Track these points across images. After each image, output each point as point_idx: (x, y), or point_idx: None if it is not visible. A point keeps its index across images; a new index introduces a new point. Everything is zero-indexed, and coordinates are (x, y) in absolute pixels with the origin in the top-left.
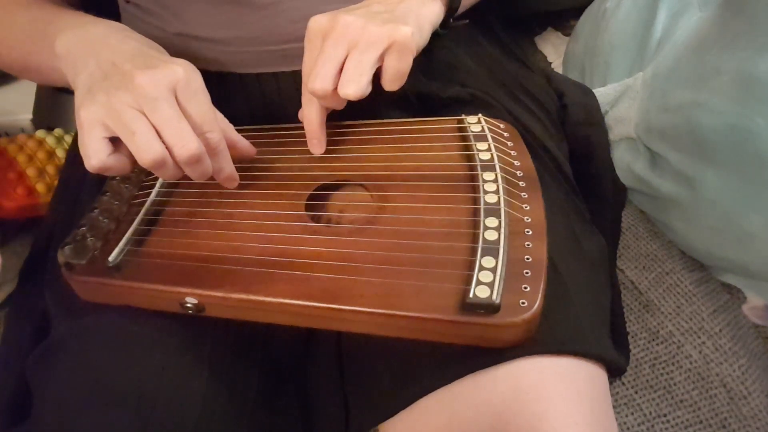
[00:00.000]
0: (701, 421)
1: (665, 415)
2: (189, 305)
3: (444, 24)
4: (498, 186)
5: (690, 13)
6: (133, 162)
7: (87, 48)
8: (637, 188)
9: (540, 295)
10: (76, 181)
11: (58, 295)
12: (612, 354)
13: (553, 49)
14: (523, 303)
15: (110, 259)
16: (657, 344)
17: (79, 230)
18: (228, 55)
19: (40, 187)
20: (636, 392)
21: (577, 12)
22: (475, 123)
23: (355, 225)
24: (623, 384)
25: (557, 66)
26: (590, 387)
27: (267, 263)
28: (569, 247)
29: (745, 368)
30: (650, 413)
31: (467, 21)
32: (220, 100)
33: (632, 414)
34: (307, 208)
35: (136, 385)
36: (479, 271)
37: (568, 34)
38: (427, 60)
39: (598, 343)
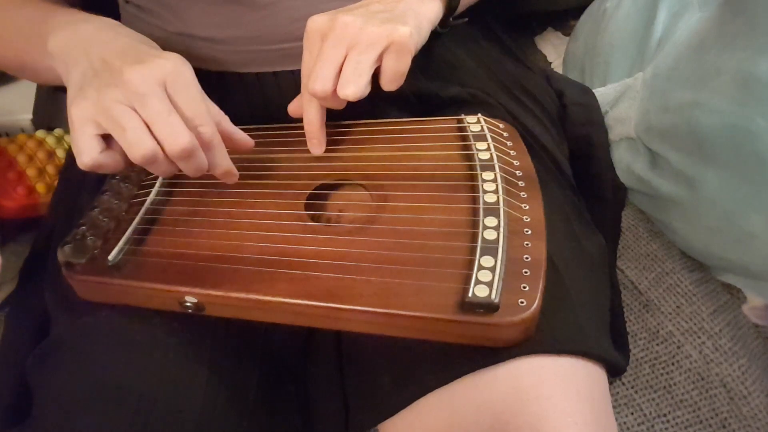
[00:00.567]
0: (701, 421)
1: (665, 415)
2: (189, 304)
3: (443, 23)
4: (497, 186)
5: (690, 13)
6: (126, 159)
7: (78, 46)
8: (637, 188)
9: (539, 295)
10: (76, 181)
11: (58, 295)
12: (612, 354)
13: (553, 49)
14: (522, 302)
15: (110, 258)
16: (657, 344)
17: (79, 229)
18: (228, 54)
19: (40, 187)
20: (636, 392)
21: (577, 12)
22: (474, 123)
23: (355, 224)
24: (623, 384)
25: (557, 66)
26: (590, 387)
27: (267, 262)
28: (569, 246)
29: (745, 368)
30: (650, 413)
31: (466, 19)
32: (220, 100)
33: (632, 414)
34: (307, 207)
35: (136, 384)
36: (478, 270)
37: (568, 34)
38: (426, 60)
39: (597, 342)
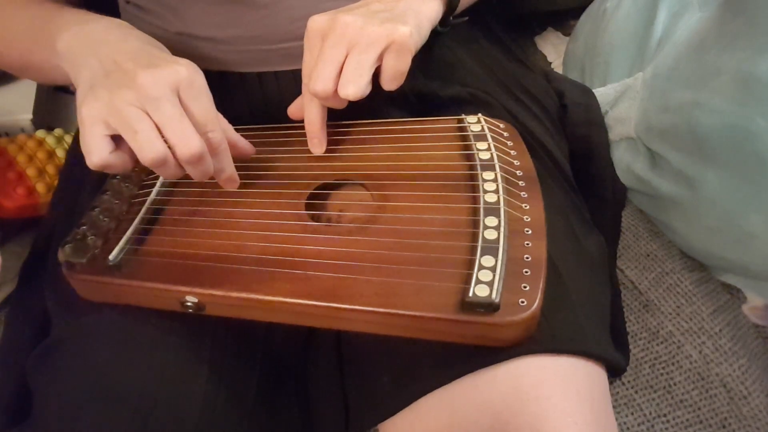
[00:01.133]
0: (701, 421)
1: (665, 415)
2: (189, 304)
3: (443, 22)
4: (498, 185)
5: (690, 13)
6: (134, 160)
7: (88, 46)
8: (637, 188)
9: (539, 294)
10: (76, 181)
11: (58, 295)
12: (612, 354)
13: (553, 49)
14: (522, 302)
15: (111, 257)
16: (657, 344)
17: (80, 229)
18: (228, 54)
19: (40, 187)
20: (636, 392)
21: (577, 12)
22: (474, 123)
23: (355, 224)
24: (623, 384)
25: (557, 66)
26: (590, 386)
27: (267, 262)
28: (569, 246)
29: (745, 368)
30: (650, 413)
31: (467, 18)
32: (221, 100)
33: (632, 414)
34: (308, 207)
35: (136, 384)
36: (479, 270)
37: (568, 34)
38: (426, 59)
39: (598, 342)
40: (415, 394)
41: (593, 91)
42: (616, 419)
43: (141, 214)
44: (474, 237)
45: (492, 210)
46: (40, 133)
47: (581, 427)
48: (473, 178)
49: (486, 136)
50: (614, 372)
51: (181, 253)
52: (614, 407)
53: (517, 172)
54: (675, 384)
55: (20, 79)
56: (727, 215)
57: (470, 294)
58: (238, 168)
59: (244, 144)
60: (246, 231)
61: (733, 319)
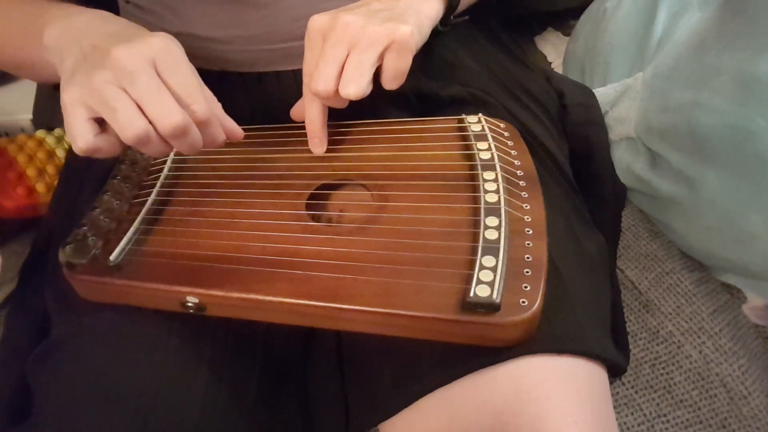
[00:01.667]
0: (701, 421)
1: (665, 415)
2: (190, 304)
3: (444, 21)
4: (498, 185)
5: (690, 13)
6: (122, 141)
7: (71, 36)
8: (637, 188)
9: (540, 295)
10: (76, 181)
11: (58, 295)
12: (612, 353)
13: (553, 49)
14: (523, 302)
15: (111, 258)
16: (657, 344)
17: (80, 230)
18: (229, 54)
19: (40, 187)
20: (636, 392)
21: (577, 12)
22: (475, 122)
23: (356, 224)
24: (623, 384)
25: (557, 66)
26: (591, 387)
27: (268, 262)
28: (569, 246)
29: (745, 368)
30: (650, 413)
31: (467, 17)
32: (221, 100)
33: (632, 414)
34: (308, 207)
35: (136, 384)
36: (479, 270)
37: (568, 34)
38: (427, 59)
39: (598, 342)
40: (416, 394)
41: (593, 91)
42: (616, 419)
43: (142, 215)
44: (475, 237)
45: (493, 210)
46: (40, 133)
47: (582, 427)
48: (474, 178)
49: (486, 135)
50: (615, 372)
51: (181, 254)
52: (614, 407)
53: (518, 172)
54: (675, 384)
55: (20, 79)
56: (727, 215)
57: (471, 294)
58: (238, 168)
59: (232, 124)
60: (246, 231)
61: (733, 319)
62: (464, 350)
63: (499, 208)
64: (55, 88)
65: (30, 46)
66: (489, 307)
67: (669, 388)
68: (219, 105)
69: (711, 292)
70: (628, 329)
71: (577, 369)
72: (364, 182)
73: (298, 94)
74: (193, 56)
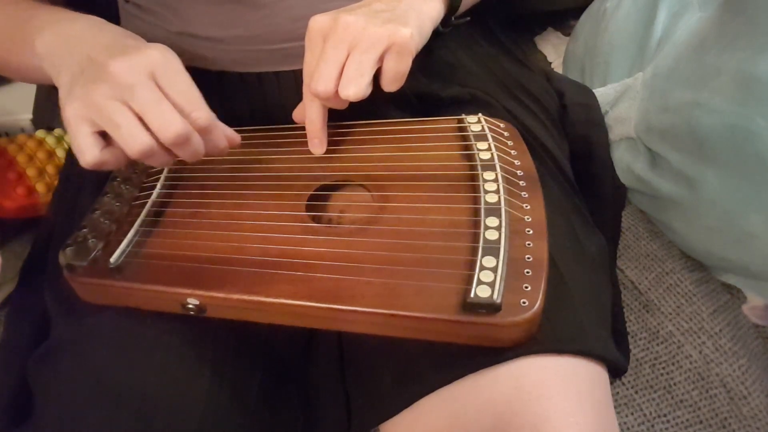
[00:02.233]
0: (701, 421)
1: (665, 415)
2: (190, 306)
3: (445, 22)
4: (498, 185)
5: (690, 13)
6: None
7: (65, 46)
8: (637, 188)
9: (541, 295)
10: (76, 181)
11: (58, 296)
12: (613, 353)
13: (553, 49)
14: (524, 302)
15: (112, 260)
16: (657, 344)
17: (81, 232)
18: (228, 54)
19: (40, 187)
20: (636, 392)
21: (577, 12)
22: (475, 123)
23: (356, 225)
24: (623, 384)
25: (557, 66)
26: (591, 387)
27: (268, 264)
28: (570, 246)
29: (745, 368)
30: (650, 413)
31: (468, 18)
32: (220, 100)
33: (632, 414)
34: (308, 208)
35: (137, 385)
36: (480, 270)
37: (568, 34)
38: (427, 60)
39: (599, 342)
40: (417, 394)
41: (593, 91)
42: (617, 419)
43: (142, 217)
44: (475, 237)
45: (493, 210)
46: (40, 133)
47: (582, 427)
48: (474, 178)
49: (486, 136)
50: (615, 372)
51: (182, 255)
52: (614, 407)
53: (518, 172)
54: (675, 384)
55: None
56: (727, 215)
57: (472, 295)
58: (238, 169)
59: (230, 132)
60: (247, 233)
61: (733, 319)
62: (465, 350)
63: (500, 209)
64: (55, 88)
65: (19, 50)
66: (490, 307)
67: (669, 388)
68: (213, 115)
69: (711, 292)
70: (628, 329)
71: (577, 369)
72: (364, 183)
73: (297, 95)
74: (192, 56)
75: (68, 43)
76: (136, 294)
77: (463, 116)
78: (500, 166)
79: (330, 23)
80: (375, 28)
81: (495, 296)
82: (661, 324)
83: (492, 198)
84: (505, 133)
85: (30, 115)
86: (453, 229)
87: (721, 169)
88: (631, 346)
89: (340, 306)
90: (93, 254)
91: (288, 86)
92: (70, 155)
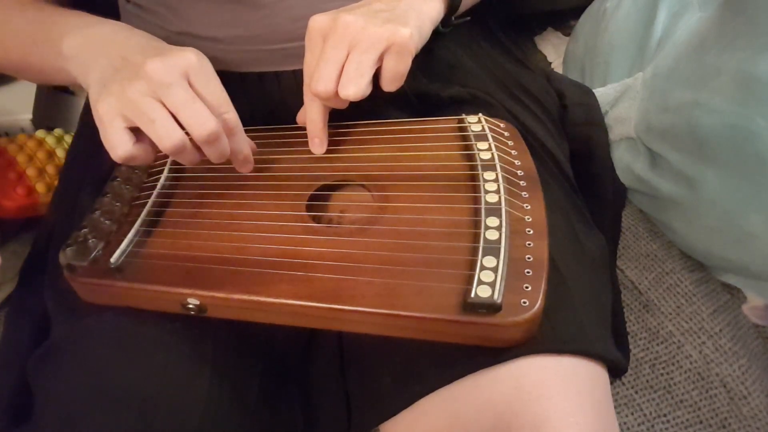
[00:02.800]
0: (701, 421)
1: (665, 415)
2: (191, 306)
3: (445, 22)
4: (499, 185)
5: (690, 13)
6: (155, 149)
7: (96, 48)
8: (637, 188)
9: (541, 295)
10: (76, 181)
11: (58, 295)
12: (614, 353)
13: (553, 49)
14: (524, 302)
15: (112, 260)
16: (657, 344)
17: (81, 231)
18: (229, 54)
19: (40, 187)
20: (636, 392)
21: (577, 12)
22: (475, 123)
23: (356, 225)
24: (623, 384)
25: (557, 66)
26: (591, 387)
27: (268, 264)
28: (570, 246)
29: (745, 368)
30: (650, 413)
31: (468, 18)
32: None
33: (632, 414)
34: (308, 208)
35: (138, 385)
36: (480, 270)
37: (568, 34)
38: (427, 60)
39: (599, 342)
40: (417, 394)
41: (593, 91)
42: (617, 419)
43: (142, 216)
44: (475, 237)
45: (493, 210)
46: (40, 133)
47: (582, 427)
48: (474, 178)
49: (487, 136)
50: (615, 372)
51: (182, 255)
52: (614, 407)
53: (518, 172)
54: (675, 384)
55: (20, 79)
56: (727, 215)
57: (472, 295)
58: None
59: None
60: (247, 232)
61: (733, 319)
62: (465, 350)
63: (500, 209)
64: (56, 89)
65: (42, 53)
66: (490, 307)
67: (669, 388)
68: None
69: (711, 292)
70: (628, 329)
71: (578, 369)
72: (364, 183)
73: (298, 94)
74: None
75: (98, 45)
76: (137, 294)
77: (464, 116)
78: (500, 166)
79: (329, 23)
80: (374, 28)
81: (495, 296)
82: (661, 324)
83: (492, 198)
84: (506, 133)
85: (30, 115)
86: (453, 229)
87: (721, 169)
88: (631, 346)
89: (340, 306)
90: (93, 254)
91: (288, 86)
92: (70, 155)
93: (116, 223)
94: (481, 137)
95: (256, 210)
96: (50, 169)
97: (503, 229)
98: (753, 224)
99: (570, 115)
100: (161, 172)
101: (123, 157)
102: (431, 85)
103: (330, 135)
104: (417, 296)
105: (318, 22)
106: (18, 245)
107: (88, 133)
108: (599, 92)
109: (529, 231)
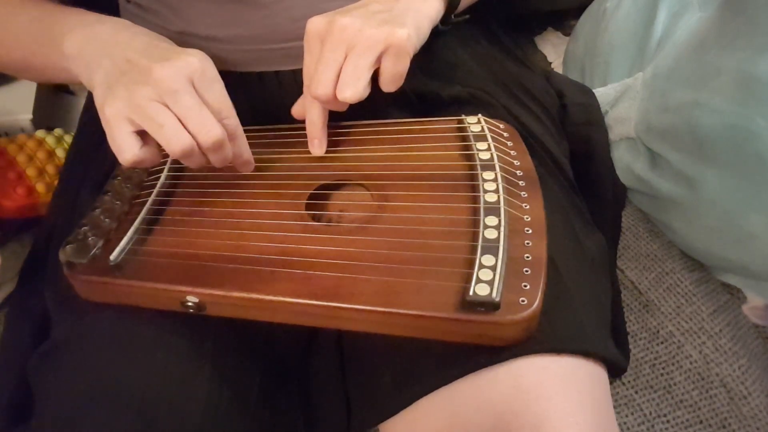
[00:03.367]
0: (701, 421)
1: (665, 415)
2: (190, 304)
3: (445, 20)
4: (498, 185)
5: (690, 13)
6: (161, 153)
7: (98, 47)
8: (637, 188)
9: (540, 293)
10: (76, 181)
11: (58, 295)
12: (613, 353)
13: (553, 49)
14: (522, 301)
15: (112, 258)
16: (657, 344)
17: (81, 229)
18: (229, 53)
19: (40, 187)
20: (636, 392)
21: (577, 12)
22: (474, 123)
23: (356, 224)
24: (623, 384)
25: (557, 66)
26: (591, 386)
27: (268, 262)
28: (569, 246)
29: (745, 368)
30: (650, 413)
31: (468, 17)
32: None
33: (632, 414)
34: (308, 207)
35: (138, 384)
36: (479, 269)
37: (568, 34)
38: (427, 59)
39: (599, 342)
40: (416, 394)
41: (593, 91)
42: (616, 419)
43: (142, 215)
44: (474, 236)
45: (492, 209)
46: (40, 133)
47: (582, 427)
48: (473, 178)
49: (486, 136)
50: (615, 372)
51: (182, 253)
52: (614, 407)
53: (517, 172)
54: (675, 384)
55: (20, 79)
56: (727, 215)
57: (471, 293)
58: None
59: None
60: (247, 231)
61: (733, 319)
62: (465, 350)
63: (499, 208)
64: (56, 88)
65: (44, 52)
66: (488, 305)
67: (669, 388)
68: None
69: (711, 292)
70: (628, 329)
71: (577, 369)
72: (364, 182)
73: (298, 94)
74: None
75: (100, 44)
76: (136, 291)
77: (463, 117)
78: (500, 166)
79: (327, 26)
80: (371, 30)
81: (494, 294)
82: (661, 324)
83: (491, 197)
84: (505, 134)
85: (30, 115)
86: (452, 228)
87: (721, 169)
88: (631, 346)
89: (339, 304)
90: (93, 252)
91: (288, 85)
92: (70, 155)
93: (116, 221)
94: (481, 138)
95: (256, 208)
96: (50, 169)
97: (502, 228)
98: (753, 224)
99: (570, 115)
100: (161, 171)
101: (130, 160)
102: (431, 85)
103: (330, 135)
104: (416, 294)
105: (315, 24)
106: (18, 245)
107: (88, 132)
108: (599, 92)
109: (527, 230)
